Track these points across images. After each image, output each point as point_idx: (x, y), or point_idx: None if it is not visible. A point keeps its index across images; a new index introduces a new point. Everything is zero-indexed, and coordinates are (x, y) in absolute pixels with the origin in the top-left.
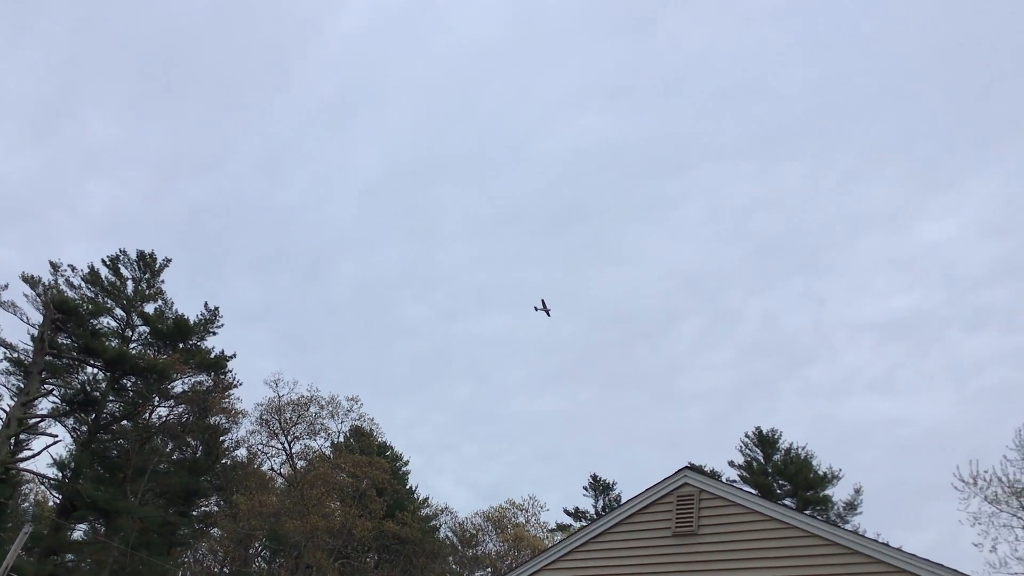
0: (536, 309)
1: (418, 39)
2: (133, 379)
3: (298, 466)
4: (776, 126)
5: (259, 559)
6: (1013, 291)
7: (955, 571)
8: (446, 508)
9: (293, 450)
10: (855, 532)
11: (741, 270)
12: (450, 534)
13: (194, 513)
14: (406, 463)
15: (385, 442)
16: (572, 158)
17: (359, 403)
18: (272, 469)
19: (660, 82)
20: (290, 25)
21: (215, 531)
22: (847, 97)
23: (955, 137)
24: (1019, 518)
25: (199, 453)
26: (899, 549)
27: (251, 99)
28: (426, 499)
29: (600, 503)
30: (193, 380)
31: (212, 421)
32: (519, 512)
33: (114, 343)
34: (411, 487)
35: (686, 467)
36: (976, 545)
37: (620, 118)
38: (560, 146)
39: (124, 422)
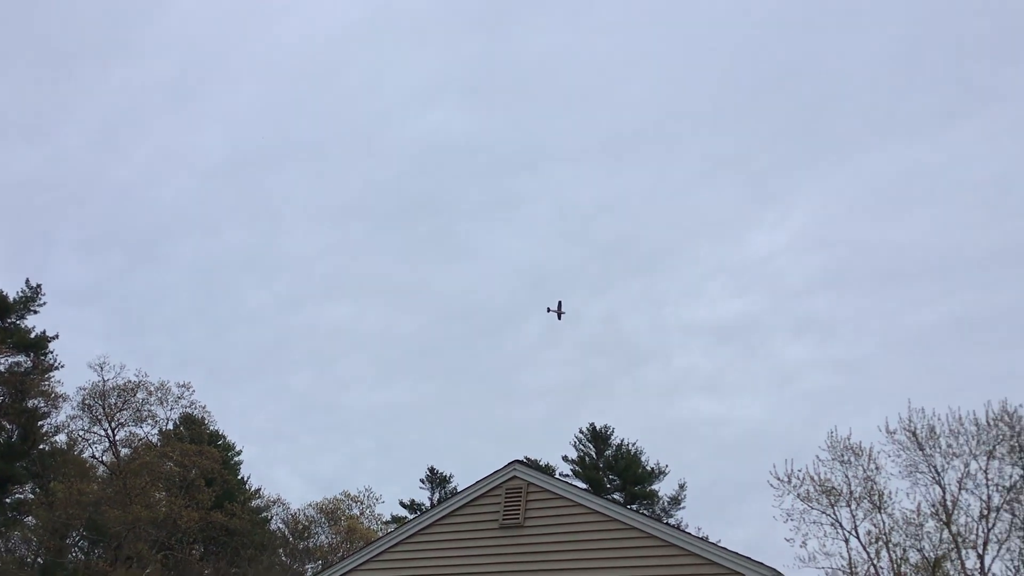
0: (549, 310)
1: (269, 20)
2: None
3: (122, 454)
4: (622, 132)
5: (76, 550)
6: (832, 302)
7: (760, 563)
8: (278, 499)
9: (117, 437)
10: (673, 526)
11: (585, 270)
12: (281, 526)
13: (7, 500)
14: (239, 453)
15: (217, 431)
16: (422, 152)
17: (191, 390)
18: (93, 456)
19: (512, 82)
20: None
21: (29, 519)
22: (688, 109)
23: (785, 154)
24: (828, 515)
25: (14, 438)
26: (712, 543)
27: (87, 69)
28: (258, 490)
29: (436, 496)
30: (10, 361)
31: (29, 405)
32: (354, 504)
33: None
34: (243, 477)
35: (516, 460)
36: (788, 540)
37: (472, 115)
38: (411, 139)
39: None
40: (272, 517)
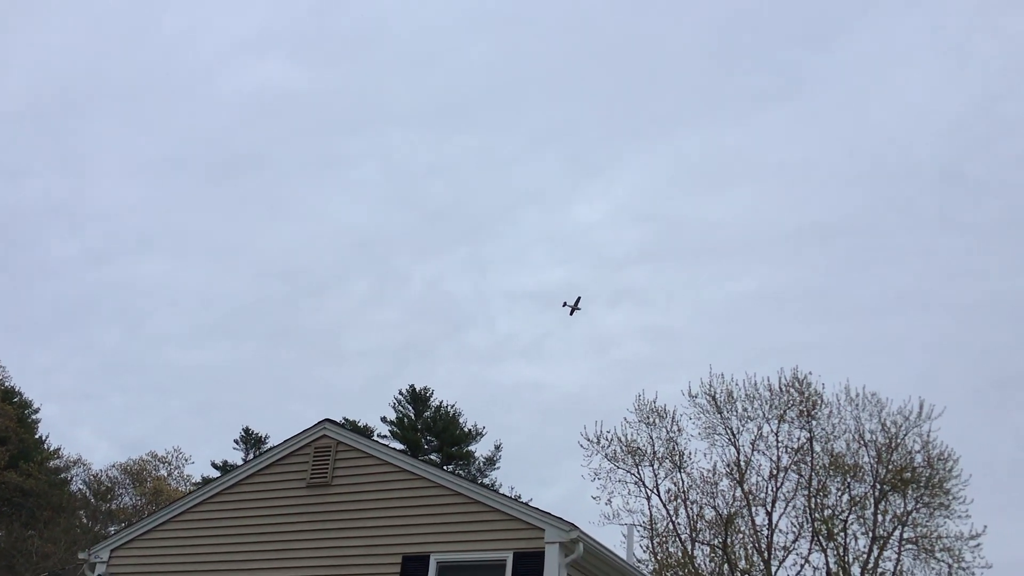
0: (564, 304)
1: None
2: None
3: None
4: (454, 98)
5: None
6: (648, 274)
7: (560, 518)
8: (79, 460)
9: None
10: (486, 486)
11: (412, 234)
12: (83, 487)
13: None
14: (36, 411)
15: (13, 387)
16: (249, 105)
17: None
18: None
19: (345, 39)
20: None
21: None
22: (519, 79)
23: (610, 128)
24: (632, 474)
25: None
26: (517, 500)
27: None
28: (57, 450)
29: (250, 457)
30: None
31: None
32: (161, 465)
33: None
34: (41, 436)
35: (326, 419)
36: (595, 498)
37: (303, 70)
38: (237, 91)
39: None
40: (72, 478)
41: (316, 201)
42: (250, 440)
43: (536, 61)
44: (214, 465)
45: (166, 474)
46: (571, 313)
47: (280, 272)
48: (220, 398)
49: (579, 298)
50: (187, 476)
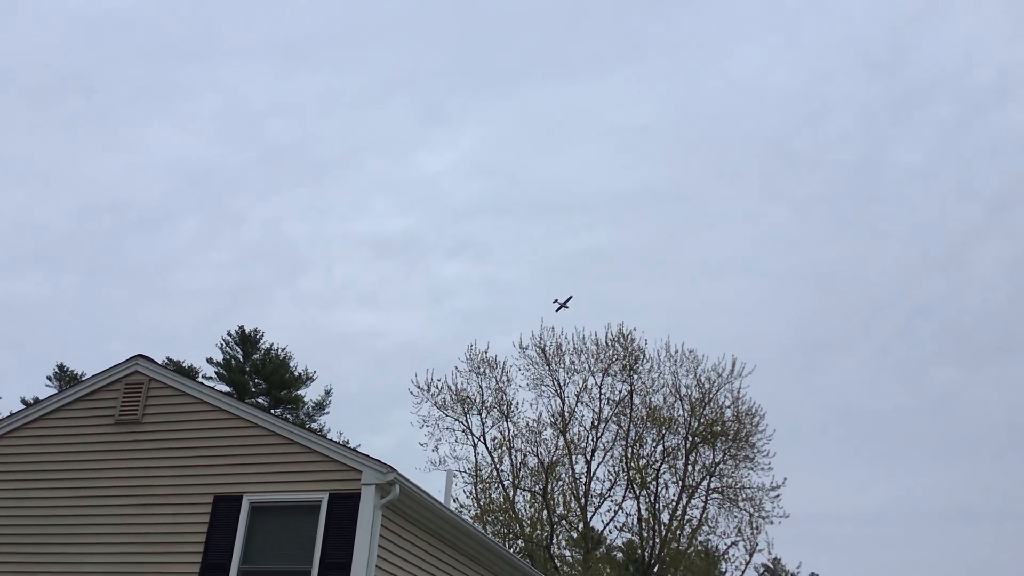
0: (555, 301)
1: None
2: None
3: None
4: (299, 35)
5: None
6: (488, 227)
7: (378, 460)
8: None
9: None
10: (304, 427)
11: (249, 173)
12: None
13: None
14: None
15: None
16: (75, 23)
17: None
18: None
19: None
20: None
21: None
22: (368, 23)
23: (457, 80)
24: (461, 422)
25: None
26: (335, 442)
27: None
28: None
29: None
30: None
31: None
32: None
33: None
34: None
35: (139, 355)
36: (422, 445)
37: None
38: (62, 7)
39: None
40: None
41: (146, 131)
42: (64, 377)
43: (386, 5)
44: (24, 402)
45: None
46: (557, 310)
47: (106, 204)
48: (34, 333)
49: (570, 297)
50: None
